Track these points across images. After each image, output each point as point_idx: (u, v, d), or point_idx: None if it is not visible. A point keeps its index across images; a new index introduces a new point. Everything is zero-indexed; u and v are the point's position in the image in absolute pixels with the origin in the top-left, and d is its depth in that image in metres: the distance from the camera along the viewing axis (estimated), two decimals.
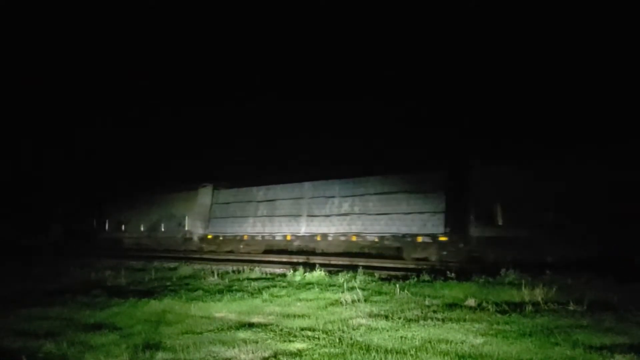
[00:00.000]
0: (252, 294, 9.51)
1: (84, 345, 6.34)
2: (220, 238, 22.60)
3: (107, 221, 28.65)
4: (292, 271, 11.92)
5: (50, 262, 17.71)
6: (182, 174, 31.53)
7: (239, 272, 13.04)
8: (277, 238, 20.11)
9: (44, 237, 31.97)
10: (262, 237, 20.74)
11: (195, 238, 23.49)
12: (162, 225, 24.95)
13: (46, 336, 6.84)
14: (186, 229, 23.57)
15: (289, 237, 19.69)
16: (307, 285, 10.29)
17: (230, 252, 21.70)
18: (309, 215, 19.40)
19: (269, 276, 12.28)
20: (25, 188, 38.22)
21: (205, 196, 23.85)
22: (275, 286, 10.29)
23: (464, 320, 6.87)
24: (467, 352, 5.45)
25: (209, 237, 23.10)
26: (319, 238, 18.72)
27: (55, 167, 40.76)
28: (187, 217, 23.54)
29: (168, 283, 11.83)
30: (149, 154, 41.48)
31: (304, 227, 19.43)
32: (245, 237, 21.36)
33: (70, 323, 7.72)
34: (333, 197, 18.87)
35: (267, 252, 20.33)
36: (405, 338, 6.08)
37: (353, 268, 12.16)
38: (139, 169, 38.21)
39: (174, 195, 24.76)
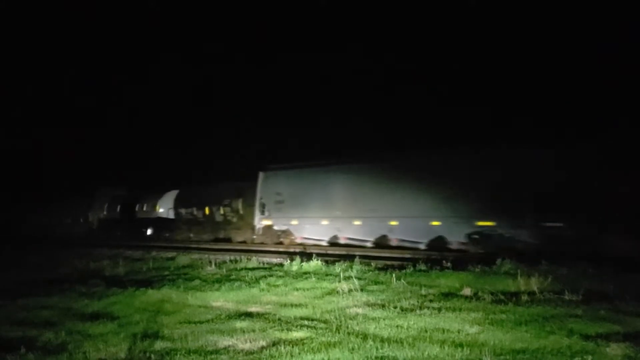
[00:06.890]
0: (249, 283, 9.54)
1: (83, 335, 6.36)
2: None
3: None
4: (289, 261, 11.96)
5: (48, 252, 17.71)
6: None
7: (236, 261, 13.08)
8: None
9: None
10: None
11: None
12: None
13: (45, 325, 6.86)
14: None
15: None
16: (304, 275, 10.32)
17: None
18: None
19: (266, 266, 12.32)
20: None
21: None
22: (272, 276, 10.31)
23: (460, 310, 6.92)
24: (463, 341, 5.49)
25: None
26: None
27: None
28: None
29: (166, 273, 11.87)
30: None
31: None
32: None
33: (69, 312, 7.75)
34: None
35: None
36: (401, 327, 6.12)
37: (350, 258, 12.21)
38: None
39: None
